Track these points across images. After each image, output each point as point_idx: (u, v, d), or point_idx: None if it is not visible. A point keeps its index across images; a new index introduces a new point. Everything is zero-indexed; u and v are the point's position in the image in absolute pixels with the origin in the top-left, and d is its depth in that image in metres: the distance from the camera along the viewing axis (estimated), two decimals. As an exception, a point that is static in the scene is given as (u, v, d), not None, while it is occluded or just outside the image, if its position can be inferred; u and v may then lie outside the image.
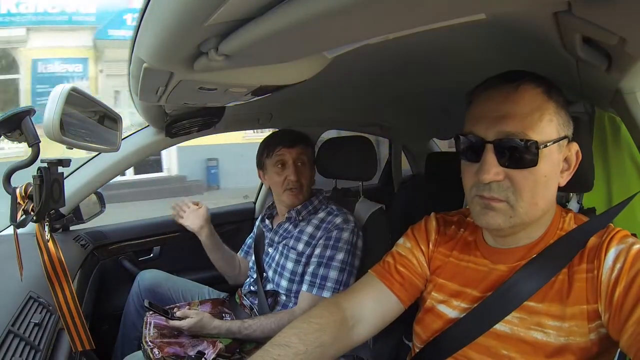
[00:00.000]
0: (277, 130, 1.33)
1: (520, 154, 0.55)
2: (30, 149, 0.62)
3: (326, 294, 1.01)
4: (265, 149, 1.20)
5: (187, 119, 1.04)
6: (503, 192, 0.56)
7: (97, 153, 1.21)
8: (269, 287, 1.15)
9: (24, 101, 6.72)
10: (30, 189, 0.64)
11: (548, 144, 0.55)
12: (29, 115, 0.61)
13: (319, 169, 1.29)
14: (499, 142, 0.56)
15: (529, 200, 0.56)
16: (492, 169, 0.55)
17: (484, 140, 0.57)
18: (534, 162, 0.55)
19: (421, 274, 0.71)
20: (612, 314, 0.51)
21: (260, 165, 1.23)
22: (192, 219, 1.25)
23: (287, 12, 0.35)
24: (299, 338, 0.60)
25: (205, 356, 0.93)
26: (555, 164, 0.58)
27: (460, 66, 0.84)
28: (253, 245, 1.31)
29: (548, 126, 0.56)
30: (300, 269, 1.09)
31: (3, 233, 1.15)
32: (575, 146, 0.60)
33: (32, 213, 0.64)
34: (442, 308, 0.67)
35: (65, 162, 0.69)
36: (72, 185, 1.20)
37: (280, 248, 1.16)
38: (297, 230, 1.14)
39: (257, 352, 0.58)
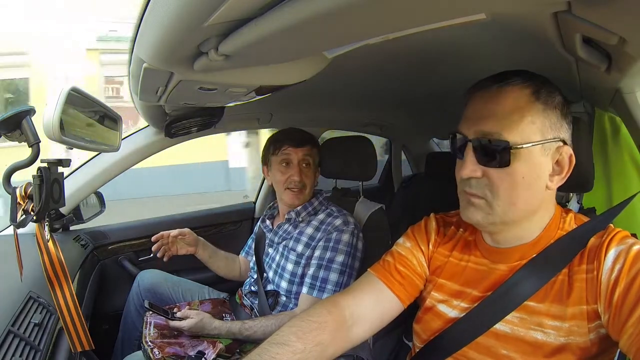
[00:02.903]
0: (285, 128, 1.30)
1: (492, 153, 0.57)
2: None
3: (326, 296, 1.01)
4: (272, 145, 1.18)
5: (187, 119, 1.04)
6: (481, 189, 0.59)
7: (97, 153, 1.21)
8: (270, 287, 1.15)
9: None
10: (30, 189, 0.64)
11: (525, 145, 0.55)
12: (29, 115, 0.61)
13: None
14: (477, 140, 0.58)
15: (506, 200, 0.57)
16: (470, 166, 0.58)
17: (466, 139, 0.60)
18: (506, 162, 0.56)
19: (421, 273, 0.71)
20: (612, 314, 0.51)
21: (265, 161, 1.22)
22: (184, 247, 1.23)
23: (287, 12, 0.35)
24: (297, 336, 0.59)
25: (205, 356, 0.93)
26: (537, 166, 0.57)
27: (460, 66, 0.84)
28: (253, 246, 1.31)
29: (528, 128, 0.56)
30: (299, 271, 1.09)
31: (3, 233, 1.15)
32: (568, 150, 0.58)
33: (32, 213, 0.64)
34: (442, 307, 0.67)
35: (65, 162, 0.69)
36: (72, 185, 1.20)
37: (280, 249, 1.16)
38: (297, 231, 1.14)
39: (255, 350, 0.57)
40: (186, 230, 1.23)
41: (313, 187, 1.18)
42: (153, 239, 1.20)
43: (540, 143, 0.56)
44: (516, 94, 0.57)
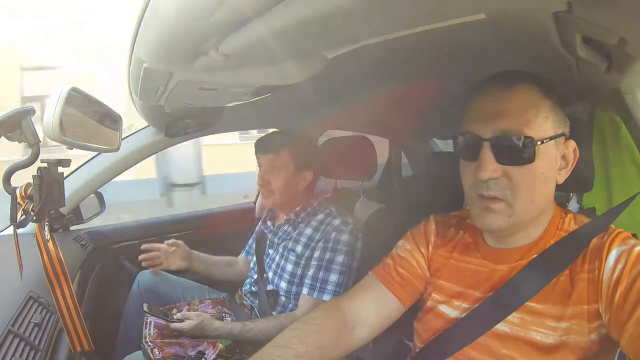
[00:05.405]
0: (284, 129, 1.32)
1: (517, 151, 0.55)
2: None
3: (326, 297, 1.01)
4: None
5: (187, 118, 1.04)
6: (501, 190, 0.57)
7: (97, 153, 1.21)
8: (269, 288, 1.15)
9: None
10: (30, 189, 0.64)
11: (544, 141, 0.56)
12: (29, 115, 0.61)
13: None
14: (495, 139, 0.56)
15: (527, 198, 0.57)
16: (490, 166, 0.56)
17: (481, 138, 0.57)
18: (530, 159, 0.55)
19: (421, 275, 0.71)
20: (613, 314, 0.51)
21: None
22: (177, 261, 1.24)
23: (287, 12, 0.36)
24: (299, 339, 0.59)
25: (205, 356, 0.93)
26: (553, 161, 0.58)
27: (460, 66, 0.84)
28: (254, 246, 1.31)
29: (544, 123, 0.56)
30: (299, 271, 1.09)
31: (3, 233, 1.15)
32: (572, 144, 0.60)
33: (32, 213, 0.64)
34: (442, 308, 0.67)
35: (65, 162, 0.69)
36: (72, 185, 1.20)
37: (279, 250, 1.16)
38: (296, 232, 1.14)
39: (257, 353, 0.58)
40: (180, 242, 1.25)
41: (286, 190, 1.14)
42: (143, 247, 1.21)
43: (554, 138, 0.57)
44: (527, 91, 0.57)
